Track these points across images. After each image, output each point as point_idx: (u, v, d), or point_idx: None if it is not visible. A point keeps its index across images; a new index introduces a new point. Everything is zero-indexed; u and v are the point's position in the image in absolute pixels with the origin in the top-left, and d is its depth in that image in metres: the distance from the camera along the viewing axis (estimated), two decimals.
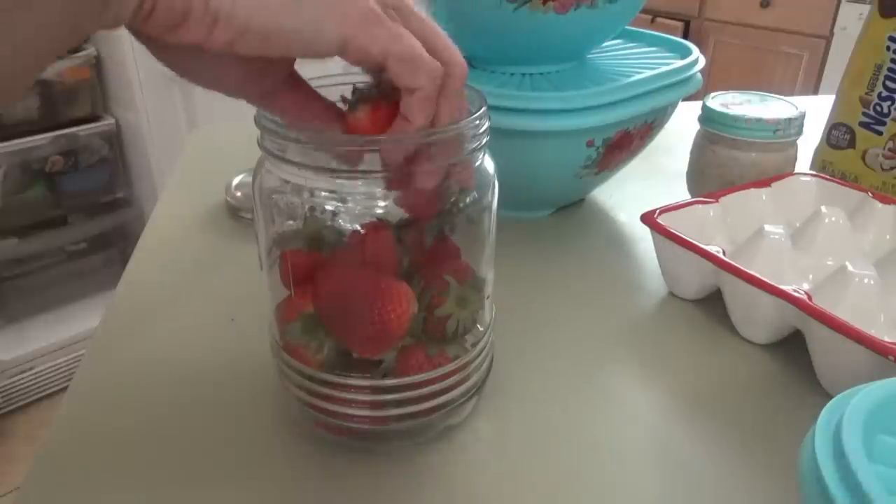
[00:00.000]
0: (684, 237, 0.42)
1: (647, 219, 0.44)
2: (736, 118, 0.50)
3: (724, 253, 0.41)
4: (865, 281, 0.39)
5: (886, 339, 0.32)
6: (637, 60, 0.55)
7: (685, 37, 2.21)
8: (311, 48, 0.24)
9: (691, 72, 0.52)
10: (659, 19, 2.32)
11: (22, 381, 1.50)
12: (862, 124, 0.55)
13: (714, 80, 2.20)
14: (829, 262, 0.44)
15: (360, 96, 0.27)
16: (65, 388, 0.38)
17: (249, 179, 0.52)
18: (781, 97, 0.54)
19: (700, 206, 0.47)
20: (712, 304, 0.44)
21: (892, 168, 0.54)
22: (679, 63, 0.51)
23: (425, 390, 0.31)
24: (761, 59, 2.15)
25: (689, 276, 0.44)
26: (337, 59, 0.25)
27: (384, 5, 0.25)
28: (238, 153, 0.64)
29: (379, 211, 0.28)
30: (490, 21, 0.48)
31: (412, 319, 0.29)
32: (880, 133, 0.54)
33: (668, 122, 0.54)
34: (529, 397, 0.37)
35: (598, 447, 0.34)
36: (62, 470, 0.32)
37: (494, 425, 0.35)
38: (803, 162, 0.56)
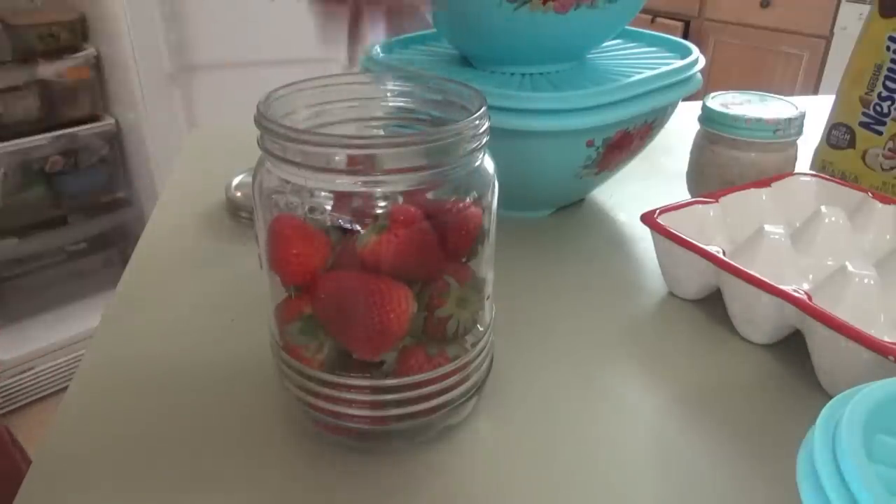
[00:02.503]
0: (684, 237, 0.42)
1: (647, 219, 0.44)
2: (736, 118, 0.50)
3: (724, 253, 0.41)
4: (865, 281, 0.39)
5: (886, 339, 0.32)
6: (637, 60, 0.55)
7: (685, 37, 2.21)
8: None
9: (691, 72, 0.52)
10: (659, 19, 2.32)
11: (22, 381, 1.50)
12: (862, 124, 0.55)
13: (714, 80, 2.20)
14: (829, 262, 0.44)
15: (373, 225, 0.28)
16: (65, 388, 0.38)
17: (249, 179, 0.52)
18: (781, 97, 0.54)
19: (700, 206, 0.47)
20: (712, 304, 0.44)
21: (892, 168, 0.54)
22: (679, 63, 0.51)
23: (425, 390, 0.31)
24: (761, 59, 2.15)
25: (689, 276, 0.44)
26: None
27: None
28: (238, 153, 0.64)
29: (379, 211, 0.28)
30: (490, 21, 0.48)
31: (412, 319, 0.29)
32: (880, 133, 0.54)
33: (668, 122, 0.54)
34: (529, 397, 0.37)
35: (598, 447, 0.34)
36: (62, 470, 0.32)
37: (494, 425, 0.35)
38: (803, 162, 0.56)
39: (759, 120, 0.50)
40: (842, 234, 0.45)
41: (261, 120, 0.28)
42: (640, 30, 0.60)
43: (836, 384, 0.36)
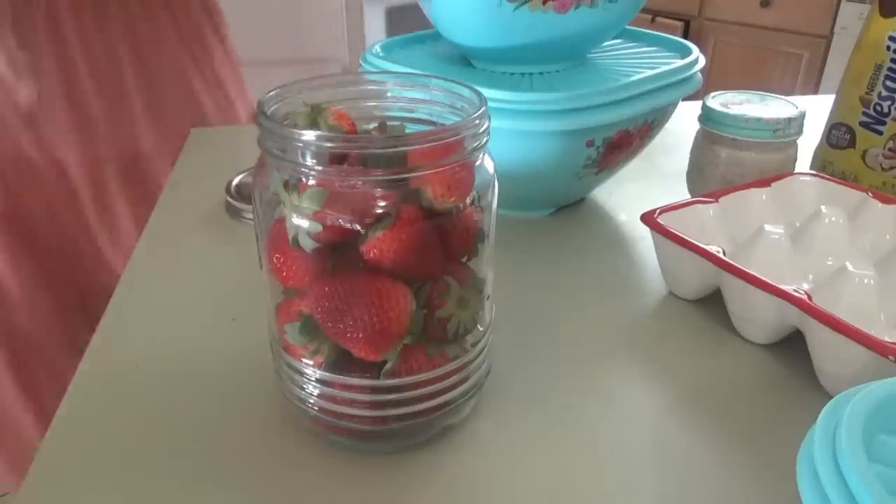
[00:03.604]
0: (684, 237, 0.42)
1: (647, 219, 0.44)
2: (736, 118, 0.50)
3: (724, 253, 0.41)
4: (865, 281, 0.39)
5: (886, 339, 0.32)
6: (637, 60, 0.55)
7: (685, 36, 2.21)
8: None
9: (691, 71, 0.52)
10: (659, 19, 2.33)
11: None
12: (862, 124, 0.55)
13: (714, 79, 2.20)
14: (829, 262, 0.44)
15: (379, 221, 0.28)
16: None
17: (249, 179, 0.52)
18: (781, 97, 0.54)
19: (700, 206, 0.47)
20: (712, 304, 0.44)
21: (892, 168, 0.54)
22: (679, 63, 0.51)
23: (425, 390, 0.31)
24: (761, 58, 2.15)
25: (689, 276, 0.44)
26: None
27: None
28: (238, 153, 0.64)
29: (379, 211, 0.28)
30: (490, 21, 0.48)
31: (411, 318, 0.29)
32: (880, 133, 0.54)
33: (668, 122, 0.54)
34: (529, 397, 0.37)
35: (598, 447, 0.34)
36: (62, 470, 0.32)
37: (494, 425, 0.35)
38: (803, 162, 0.56)
39: (758, 120, 0.50)
40: (842, 234, 0.45)
41: (261, 120, 0.28)
42: (640, 29, 0.60)
43: (836, 384, 0.36)
